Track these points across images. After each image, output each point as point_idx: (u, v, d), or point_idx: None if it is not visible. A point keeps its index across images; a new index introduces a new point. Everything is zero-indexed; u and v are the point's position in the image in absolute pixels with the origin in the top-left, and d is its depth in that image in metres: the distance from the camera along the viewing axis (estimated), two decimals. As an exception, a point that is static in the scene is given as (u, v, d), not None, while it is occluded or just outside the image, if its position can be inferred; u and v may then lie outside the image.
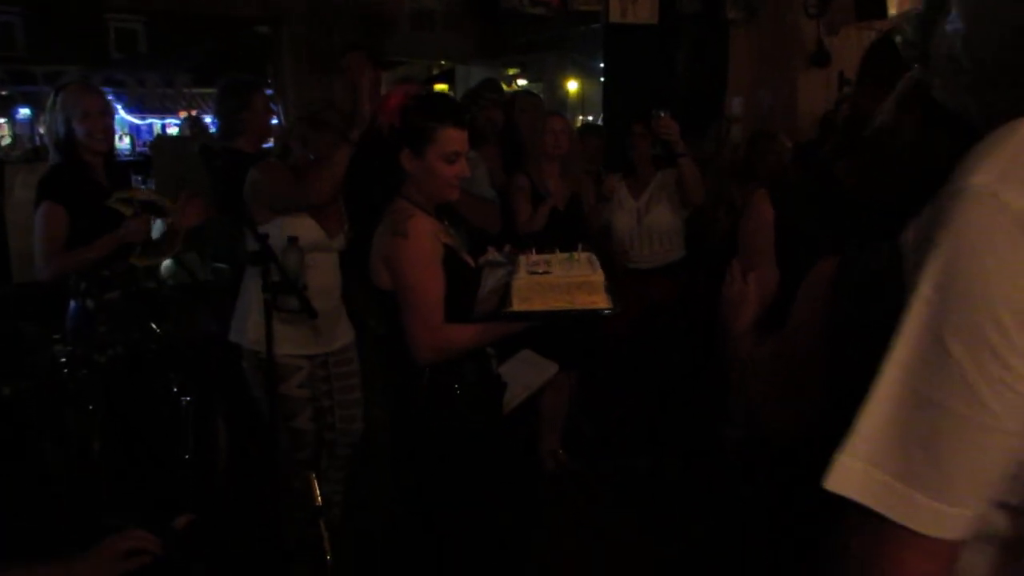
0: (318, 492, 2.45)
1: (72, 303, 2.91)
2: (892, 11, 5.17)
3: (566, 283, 2.06)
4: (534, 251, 2.30)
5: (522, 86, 9.88)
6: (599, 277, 2.10)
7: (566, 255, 2.29)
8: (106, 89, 9.24)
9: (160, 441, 3.15)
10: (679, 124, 3.84)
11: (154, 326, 3.13)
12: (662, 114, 3.76)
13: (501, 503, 2.40)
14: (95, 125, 2.93)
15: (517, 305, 2.03)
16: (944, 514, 0.72)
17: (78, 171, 2.94)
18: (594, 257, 2.28)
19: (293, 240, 2.67)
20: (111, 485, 3.05)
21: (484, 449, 2.29)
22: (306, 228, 2.85)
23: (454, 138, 2.20)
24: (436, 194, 2.27)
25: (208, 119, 9.89)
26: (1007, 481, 0.74)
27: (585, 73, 10.77)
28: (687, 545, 3.09)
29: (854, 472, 0.75)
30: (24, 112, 9.84)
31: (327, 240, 2.94)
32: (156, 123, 11.92)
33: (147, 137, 11.35)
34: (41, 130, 6.04)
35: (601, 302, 2.05)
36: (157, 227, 3.34)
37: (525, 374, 2.50)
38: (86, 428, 3.11)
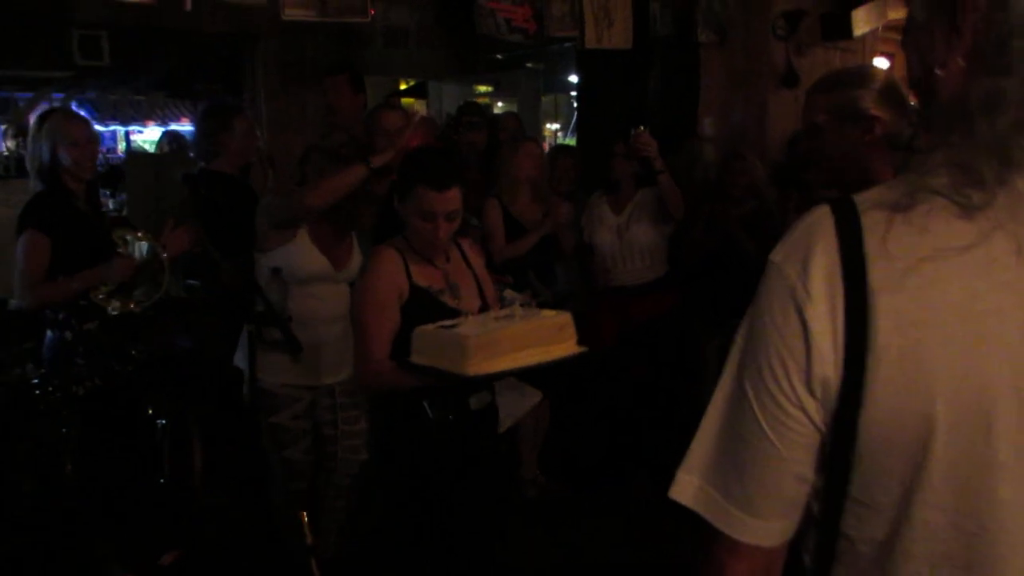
0: (308, 531, 2.44)
1: (49, 333, 2.87)
2: (857, 32, 5.31)
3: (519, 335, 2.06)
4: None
5: (500, 107, 9.92)
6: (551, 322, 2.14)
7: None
8: (73, 97, 9.09)
9: (135, 464, 3.11)
10: (646, 125, 3.90)
11: (132, 351, 3.09)
12: (640, 128, 3.81)
13: (472, 530, 2.41)
14: (82, 154, 2.92)
15: (475, 367, 1.98)
16: (753, 525, 0.90)
17: (61, 198, 2.91)
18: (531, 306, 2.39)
19: (276, 271, 2.69)
20: (85, 508, 3.01)
21: (456, 478, 2.32)
22: (311, 259, 2.90)
23: (430, 199, 2.23)
24: (419, 245, 2.33)
25: (185, 133, 9.80)
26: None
27: (557, 88, 10.83)
28: (676, 568, 3.13)
29: (690, 485, 0.94)
30: (-14, 120, 9.64)
31: (333, 271, 2.97)
32: (120, 130, 11.70)
33: (110, 143, 11.13)
34: (8, 142, 5.92)
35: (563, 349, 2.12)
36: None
37: (510, 402, 2.52)
38: (58, 450, 3.07)
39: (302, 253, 2.88)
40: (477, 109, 4.18)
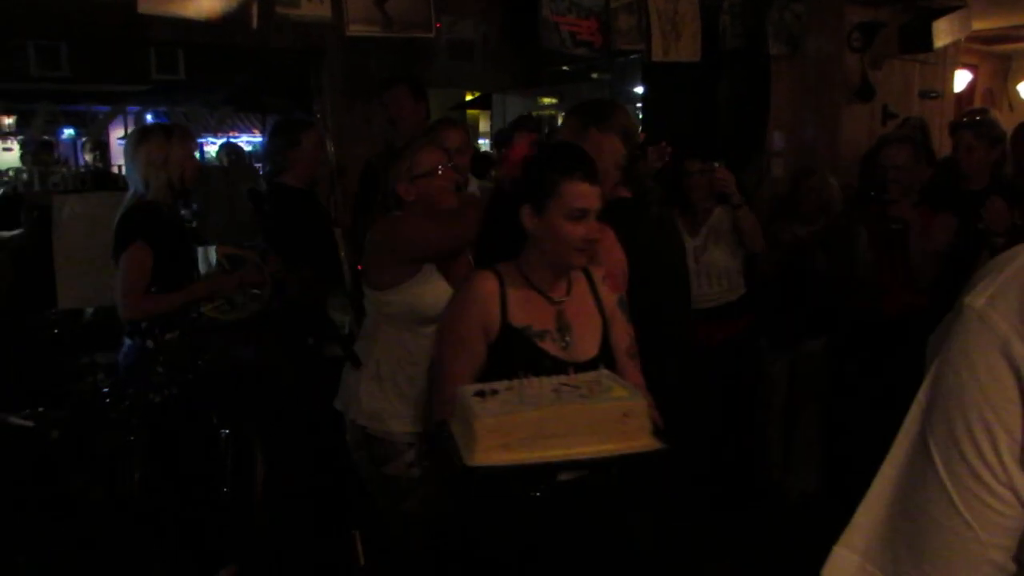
0: (361, 553, 2.40)
1: (127, 341, 2.92)
2: (938, 44, 5.12)
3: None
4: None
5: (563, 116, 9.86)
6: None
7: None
8: (147, 111, 9.39)
9: (199, 474, 3.15)
10: (722, 158, 3.78)
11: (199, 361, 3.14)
12: (717, 164, 3.67)
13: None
14: (192, 165, 3.01)
15: (483, 455, 1.61)
16: None
17: (162, 209, 2.97)
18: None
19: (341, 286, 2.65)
20: (150, 517, 3.06)
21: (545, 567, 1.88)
22: (438, 292, 2.41)
23: (581, 193, 1.91)
24: (559, 258, 1.97)
25: (244, 143, 10.02)
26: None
27: (623, 99, 10.73)
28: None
29: (849, 564, 0.79)
30: (68, 132, 10.00)
31: None
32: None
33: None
34: (87, 155, 6.15)
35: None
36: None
37: None
38: (125, 459, 3.13)
39: (431, 289, 2.43)
40: (531, 122, 4.12)
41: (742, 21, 4.57)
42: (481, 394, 1.69)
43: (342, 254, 3.56)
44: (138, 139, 2.96)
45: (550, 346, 1.95)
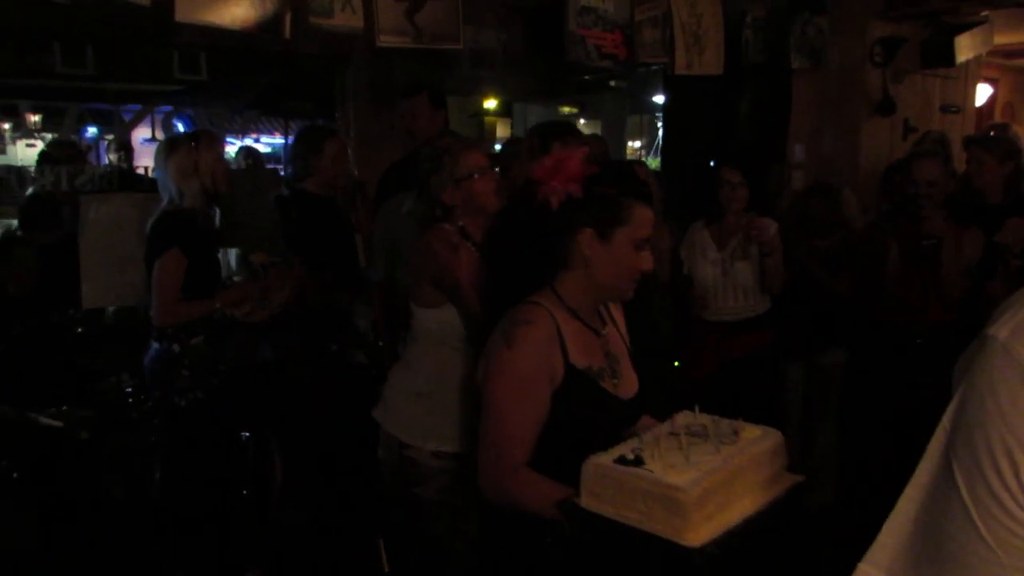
0: (385, 560, 2.39)
1: (155, 345, 2.96)
2: (959, 59, 5.11)
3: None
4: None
5: (583, 125, 9.90)
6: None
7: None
8: (175, 114, 9.49)
9: (220, 475, 3.19)
10: (740, 166, 3.74)
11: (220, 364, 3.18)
12: (764, 220, 3.57)
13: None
14: (222, 169, 3.07)
15: (697, 532, 1.39)
16: None
17: (197, 216, 3.01)
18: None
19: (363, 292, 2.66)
20: (171, 518, 3.10)
21: None
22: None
23: (649, 220, 1.78)
24: (611, 287, 1.82)
25: (263, 145, 10.10)
26: None
27: (642, 108, 10.76)
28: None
29: None
30: (92, 131, 10.10)
31: None
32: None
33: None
34: (111, 156, 6.24)
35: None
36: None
37: None
38: (147, 459, 3.18)
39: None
40: (570, 132, 4.11)
41: (765, 35, 4.59)
42: (625, 461, 1.47)
43: (363, 261, 3.60)
44: (167, 150, 3.01)
45: (608, 385, 1.81)
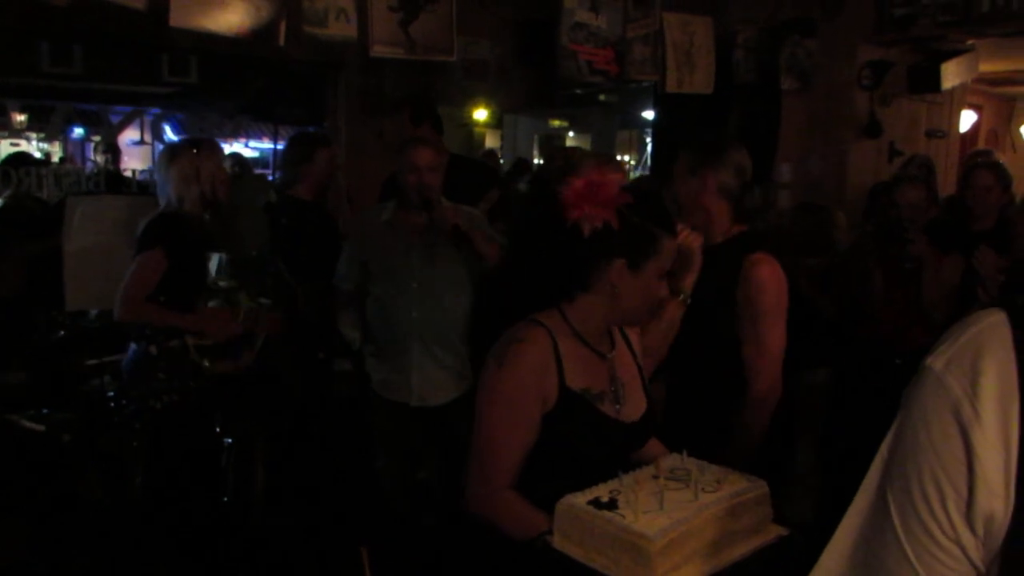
0: (368, 570, 2.40)
1: (132, 346, 2.95)
2: (946, 85, 5.19)
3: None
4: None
5: (571, 138, 9.93)
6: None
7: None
8: (164, 117, 9.44)
9: (200, 482, 3.17)
10: None
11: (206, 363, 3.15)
12: None
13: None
14: (223, 177, 3.06)
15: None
16: None
17: (189, 221, 2.99)
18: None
19: (351, 298, 2.66)
20: (152, 522, 3.07)
21: None
22: None
23: (672, 251, 1.79)
24: (630, 314, 1.80)
25: (252, 150, 10.07)
26: None
27: (631, 124, 10.81)
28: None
29: None
30: (78, 131, 10.02)
31: None
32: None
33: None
34: (98, 157, 6.18)
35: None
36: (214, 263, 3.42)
37: None
38: (129, 462, 3.15)
39: None
40: (527, 167, 4.14)
41: (756, 56, 4.64)
42: (599, 504, 1.44)
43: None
44: (169, 156, 3.00)
45: (608, 408, 1.77)
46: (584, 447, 1.71)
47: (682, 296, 2.19)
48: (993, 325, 0.78)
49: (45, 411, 3.24)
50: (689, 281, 2.19)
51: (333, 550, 3.00)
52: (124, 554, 2.99)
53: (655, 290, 1.77)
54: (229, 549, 3.13)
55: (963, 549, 0.75)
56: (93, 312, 4.08)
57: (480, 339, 2.21)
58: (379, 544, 2.52)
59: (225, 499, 3.23)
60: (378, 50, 3.52)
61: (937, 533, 0.75)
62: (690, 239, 2.16)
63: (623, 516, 1.40)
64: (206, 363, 2.89)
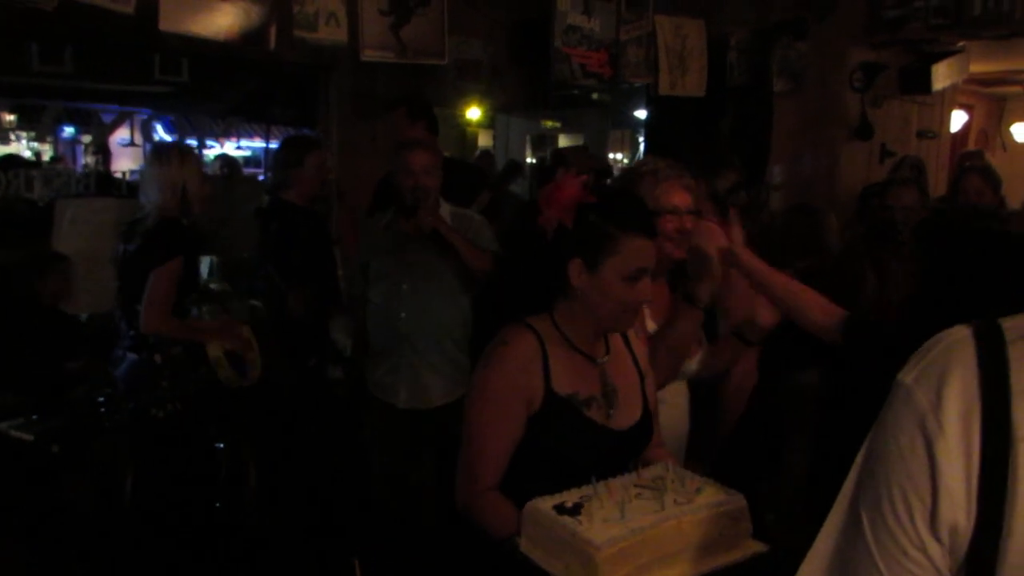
0: None
1: (131, 356, 2.91)
2: (936, 86, 5.20)
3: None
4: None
5: (564, 139, 9.92)
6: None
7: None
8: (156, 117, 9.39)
9: (192, 487, 3.15)
10: None
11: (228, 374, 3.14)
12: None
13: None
14: (206, 184, 3.05)
15: None
16: None
17: (195, 226, 3.00)
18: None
19: (341, 307, 2.66)
20: (143, 529, 3.06)
21: None
22: None
23: (641, 250, 1.69)
24: (608, 318, 1.75)
25: (244, 150, 10.04)
26: None
27: (623, 124, 10.82)
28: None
29: None
30: (69, 131, 9.94)
31: None
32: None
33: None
34: (88, 159, 6.13)
35: None
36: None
37: None
38: (119, 467, 3.13)
39: None
40: (518, 168, 4.14)
41: (748, 58, 4.64)
42: (562, 509, 1.44)
43: (340, 272, 3.58)
44: (154, 159, 2.99)
45: (596, 414, 1.74)
46: (568, 451, 1.70)
47: (699, 304, 2.08)
48: (960, 341, 0.80)
49: (35, 418, 3.22)
50: (704, 289, 2.07)
51: (326, 554, 3.00)
52: (116, 562, 2.98)
53: (623, 292, 1.70)
54: (222, 553, 3.12)
55: (930, 559, 0.77)
56: (84, 316, 4.07)
57: (481, 346, 2.20)
58: (373, 548, 2.54)
59: (217, 504, 3.22)
60: (369, 54, 3.50)
61: (905, 543, 0.78)
62: (704, 242, 2.06)
63: (579, 522, 1.41)
64: (228, 374, 2.89)
